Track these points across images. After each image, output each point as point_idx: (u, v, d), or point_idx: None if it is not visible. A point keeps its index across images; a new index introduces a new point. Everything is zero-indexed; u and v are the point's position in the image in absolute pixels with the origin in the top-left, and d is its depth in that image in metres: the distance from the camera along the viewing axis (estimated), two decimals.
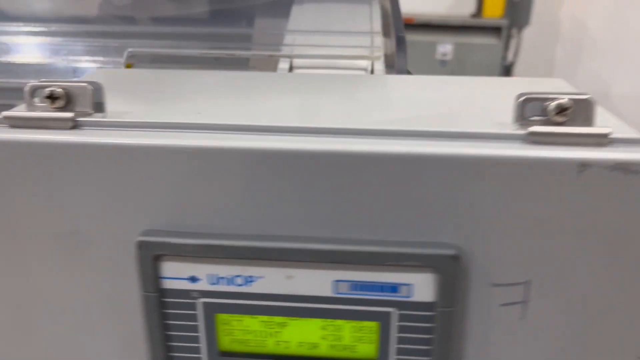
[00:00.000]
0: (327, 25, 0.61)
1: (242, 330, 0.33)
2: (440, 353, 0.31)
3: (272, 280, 0.31)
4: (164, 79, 0.41)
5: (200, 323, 0.32)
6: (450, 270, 0.29)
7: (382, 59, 0.55)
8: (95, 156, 0.30)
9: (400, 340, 0.32)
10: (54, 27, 0.64)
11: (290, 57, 0.56)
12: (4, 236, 0.32)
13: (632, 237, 0.29)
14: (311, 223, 0.30)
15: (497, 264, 0.30)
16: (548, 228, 0.29)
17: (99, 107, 0.32)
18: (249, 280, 0.31)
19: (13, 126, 0.31)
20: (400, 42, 0.57)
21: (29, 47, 0.63)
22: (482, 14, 2.29)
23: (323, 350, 0.33)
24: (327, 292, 0.31)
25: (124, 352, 0.34)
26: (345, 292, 0.31)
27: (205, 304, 0.32)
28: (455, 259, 0.29)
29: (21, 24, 0.64)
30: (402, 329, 0.32)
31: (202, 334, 0.33)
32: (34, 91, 0.32)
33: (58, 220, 0.31)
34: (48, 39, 0.63)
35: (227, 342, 0.33)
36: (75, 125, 0.31)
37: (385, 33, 0.62)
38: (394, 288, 0.31)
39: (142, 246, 0.30)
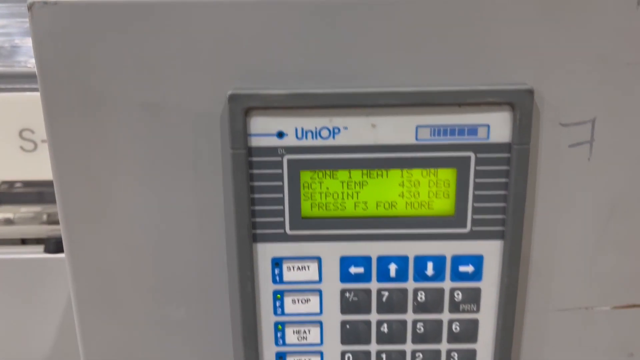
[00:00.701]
0: None
1: (322, 193, 0.34)
2: (516, 196, 0.33)
3: (356, 130, 0.33)
4: None
5: (285, 182, 0.33)
6: (526, 105, 0.32)
7: None
8: (184, 13, 0.31)
9: (477, 187, 0.33)
10: None
11: None
12: (88, 106, 0.32)
13: None
14: (393, 72, 0.32)
15: (564, 103, 0.33)
16: (610, 64, 0.32)
17: None
18: (334, 131, 0.33)
19: None
20: None
21: None
22: None
23: (400, 209, 0.34)
24: (410, 139, 0.33)
25: (202, 220, 0.35)
26: (426, 139, 0.33)
27: (290, 160, 0.33)
28: (530, 93, 0.32)
29: None
30: (479, 174, 0.33)
31: (285, 194, 0.34)
32: None
33: (145, 84, 0.32)
34: None
35: (308, 207, 0.34)
36: None
37: None
38: (472, 130, 0.33)
39: (233, 99, 0.32)
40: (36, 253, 0.65)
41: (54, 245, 0.64)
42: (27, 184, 0.71)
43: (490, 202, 0.34)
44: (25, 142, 0.62)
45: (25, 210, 0.89)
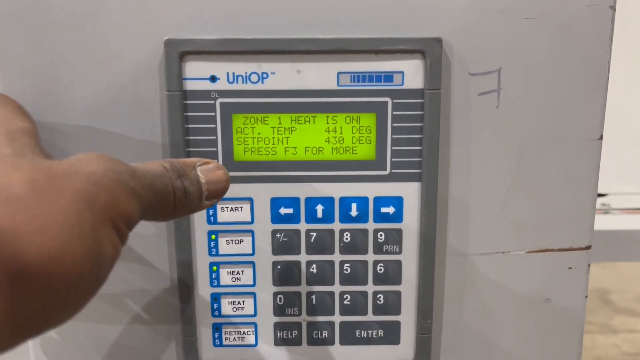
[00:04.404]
0: None
1: (254, 139, 0.37)
2: (430, 139, 0.36)
3: (283, 75, 0.36)
4: None
5: (218, 125, 0.36)
6: (435, 52, 0.35)
7: None
8: None
9: (395, 131, 0.36)
10: None
11: None
12: (37, 57, 0.35)
13: (578, 24, 0.36)
14: (317, 25, 0.35)
15: (472, 54, 0.36)
16: (510, 18, 0.35)
17: None
18: (263, 76, 0.36)
19: None
20: None
21: None
22: None
23: (327, 154, 0.37)
24: (332, 84, 0.36)
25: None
26: (347, 84, 0.36)
27: (223, 104, 0.36)
28: (438, 41, 0.35)
29: None
30: (396, 119, 0.36)
31: (218, 136, 0.36)
32: None
33: (90, 31, 0.35)
34: None
35: (241, 151, 0.37)
36: None
37: None
38: (388, 77, 0.36)
39: (169, 44, 0.35)
40: None
41: None
42: None
43: (407, 146, 0.37)
44: None
45: None
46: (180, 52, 0.35)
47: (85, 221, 0.22)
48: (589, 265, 0.40)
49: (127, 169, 0.25)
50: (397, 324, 0.39)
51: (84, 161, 0.24)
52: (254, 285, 0.39)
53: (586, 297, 0.40)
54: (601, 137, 0.37)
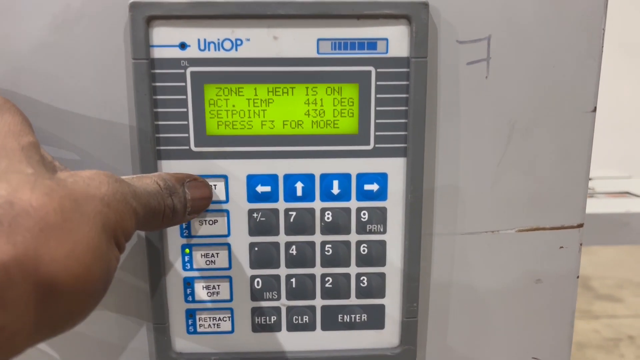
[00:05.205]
0: None
1: (228, 112, 0.34)
2: (416, 111, 0.34)
3: (258, 42, 0.33)
4: None
5: (189, 96, 0.34)
6: (421, 17, 0.33)
7: None
8: None
9: (379, 102, 0.34)
10: None
11: None
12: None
13: None
14: None
15: (461, 20, 0.34)
16: None
17: None
18: (236, 43, 0.33)
19: None
20: None
21: None
22: None
23: (307, 127, 0.35)
24: (311, 52, 0.33)
25: (108, 140, 0.34)
26: (328, 52, 0.33)
27: (193, 73, 0.33)
28: (424, 5, 0.33)
29: None
30: (380, 89, 0.34)
31: (189, 108, 0.34)
32: None
33: None
34: None
35: (214, 125, 0.34)
36: None
37: None
38: (371, 44, 0.33)
39: (135, 7, 0.32)
40: None
41: None
42: None
43: (392, 119, 0.35)
44: None
45: None
46: (146, 17, 0.32)
47: (102, 242, 0.25)
48: (580, 245, 0.38)
49: (130, 190, 0.28)
50: (382, 308, 0.37)
51: (96, 182, 0.26)
52: (229, 268, 0.36)
53: (578, 277, 0.39)
54: (595, 109, 0.36)
